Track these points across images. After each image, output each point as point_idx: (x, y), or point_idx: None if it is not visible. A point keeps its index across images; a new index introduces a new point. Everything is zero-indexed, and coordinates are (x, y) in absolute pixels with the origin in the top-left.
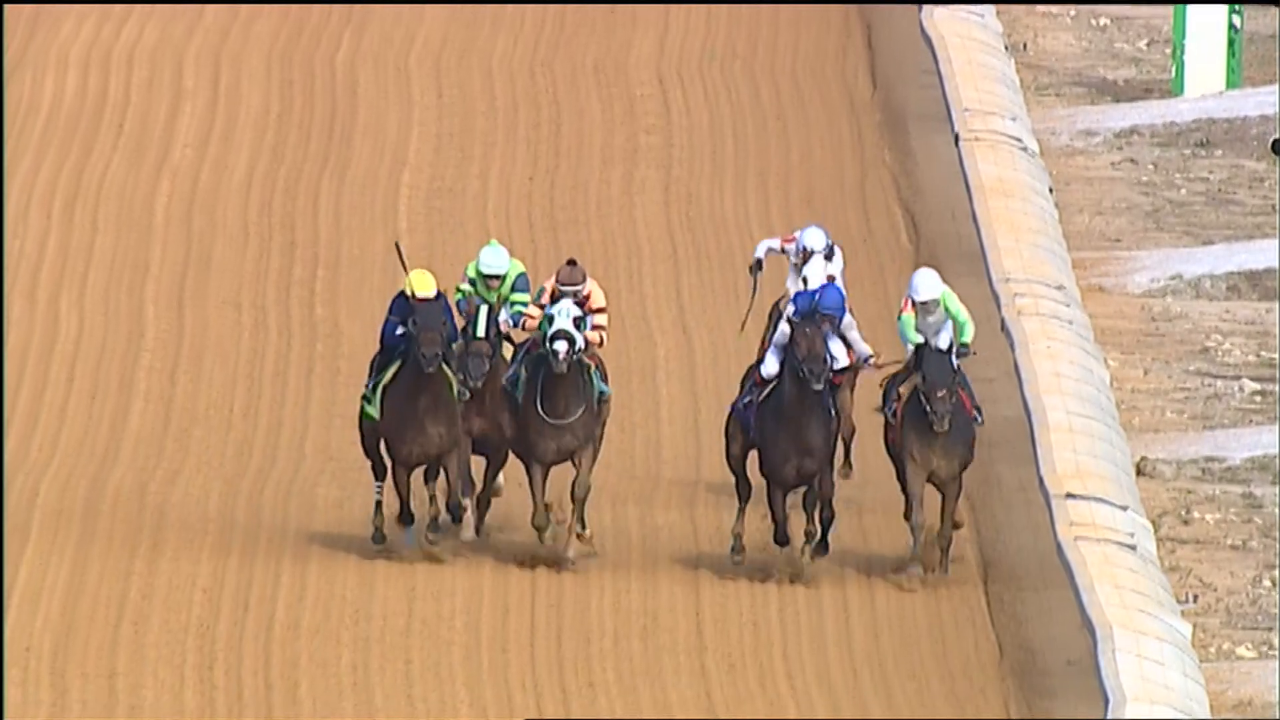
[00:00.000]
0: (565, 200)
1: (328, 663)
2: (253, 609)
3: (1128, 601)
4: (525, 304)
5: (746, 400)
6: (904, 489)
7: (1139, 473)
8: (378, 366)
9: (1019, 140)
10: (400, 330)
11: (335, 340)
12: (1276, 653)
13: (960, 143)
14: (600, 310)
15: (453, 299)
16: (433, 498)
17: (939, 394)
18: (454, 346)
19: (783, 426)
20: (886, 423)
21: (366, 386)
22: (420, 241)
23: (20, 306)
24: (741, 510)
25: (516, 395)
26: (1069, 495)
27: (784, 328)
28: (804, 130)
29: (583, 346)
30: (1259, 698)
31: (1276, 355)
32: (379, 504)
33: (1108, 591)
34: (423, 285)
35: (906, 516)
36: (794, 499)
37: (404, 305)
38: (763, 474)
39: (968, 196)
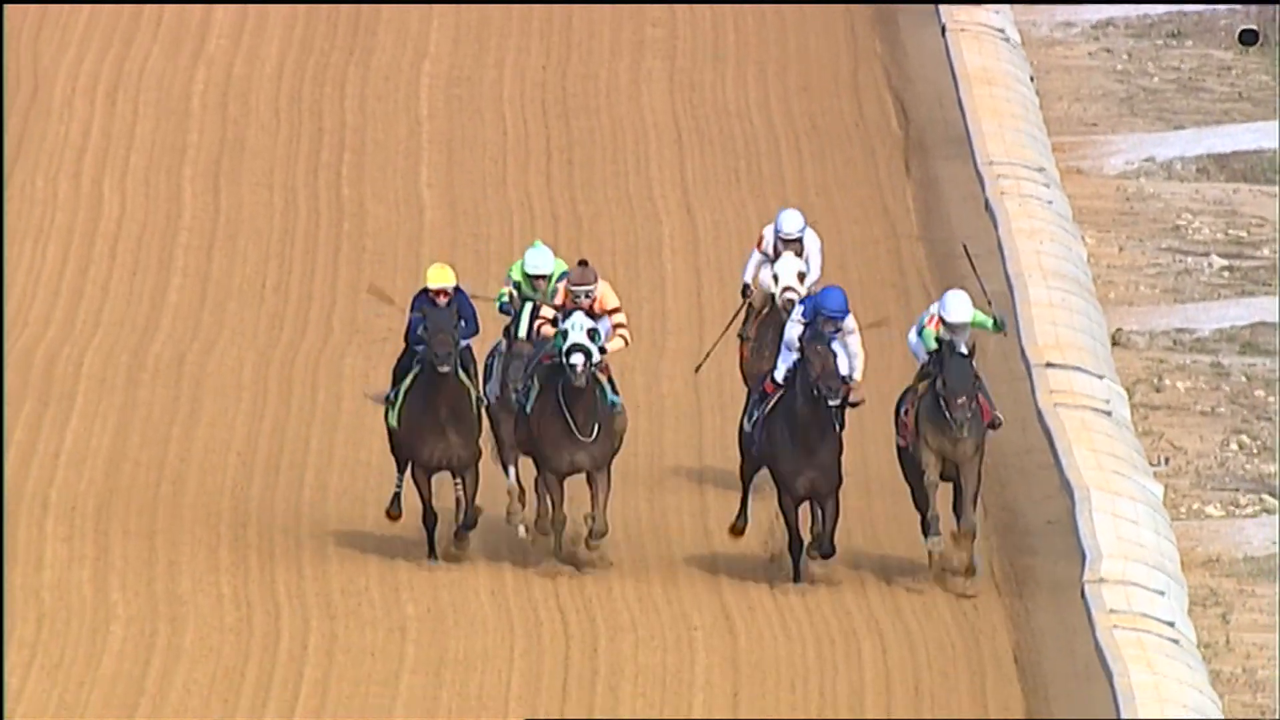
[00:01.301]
0: (576, 89)
1: (354, 521)
2: (283, 472)
3: (1104, 464)
4: None
5: (754, 417)
6: (916, 499)
7: (1114, 343)
8: (398, 374)
9: (1002, 31)
10: (418, 332)
11: (361, 219)
12: (1243, 512)
13: (947, 34)
14: (615, 310)
15: (492, 301)
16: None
17: (959, 400)
18: (500, 345)
19: (794, 441)
20: (899, 424)
21: (388, 396)
22: (440, 127)
23: (66, 189)
24: (743, 507)
25: (526, 408)
26: (1049, 365)
27: (792, 332)
28: (800, 23)
29: (598, 360)
30: (1226, 554)
31: (1243, 233)
32: (397, 495)
33: (1085, 455)
34: (437, 277)
35: (923, 527)
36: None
37: (426, 300)
38: (776, 484)
39: (954, 85)
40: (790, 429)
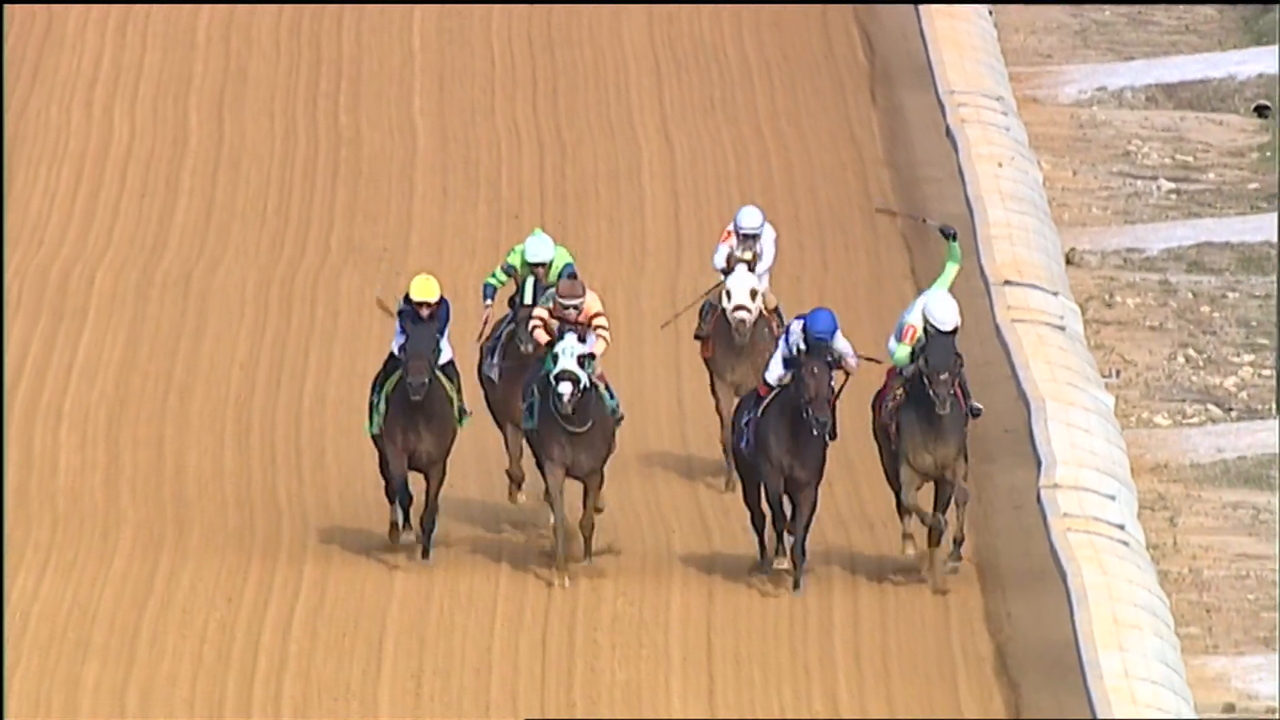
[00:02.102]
0: (560, 22)
1: (351, 430)
2: (284, 384)
3: (1058, 376)
4: None
5: (746, 422)
6: (893, 485)
7: (1068, 262)
8: (380, 381)
9: None
10: (396, 347)
11: (357, 145)
12: (1190, 421)
13: None
14: (598, 315)
15: (480, 289)
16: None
17: (941, 377)
18: (507, 318)
19: (780, 430)
20: (883, 427)
21: (371, 403)
22: (431, 58)
23: (78, 116)
24: (760, 541)
25: (531, 422)
26: (1007, 282)
27: (779, 356)
28: None
29: (587, 385)
30: (1173, 461)
31: (1190, 158)
32: (394, 524)
33: (1040, 368)
34: (422, 290)
35: (899, 508)
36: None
37: (410, 311)
38: (758, 475)
39: (917, 17)
40: (779, 419)
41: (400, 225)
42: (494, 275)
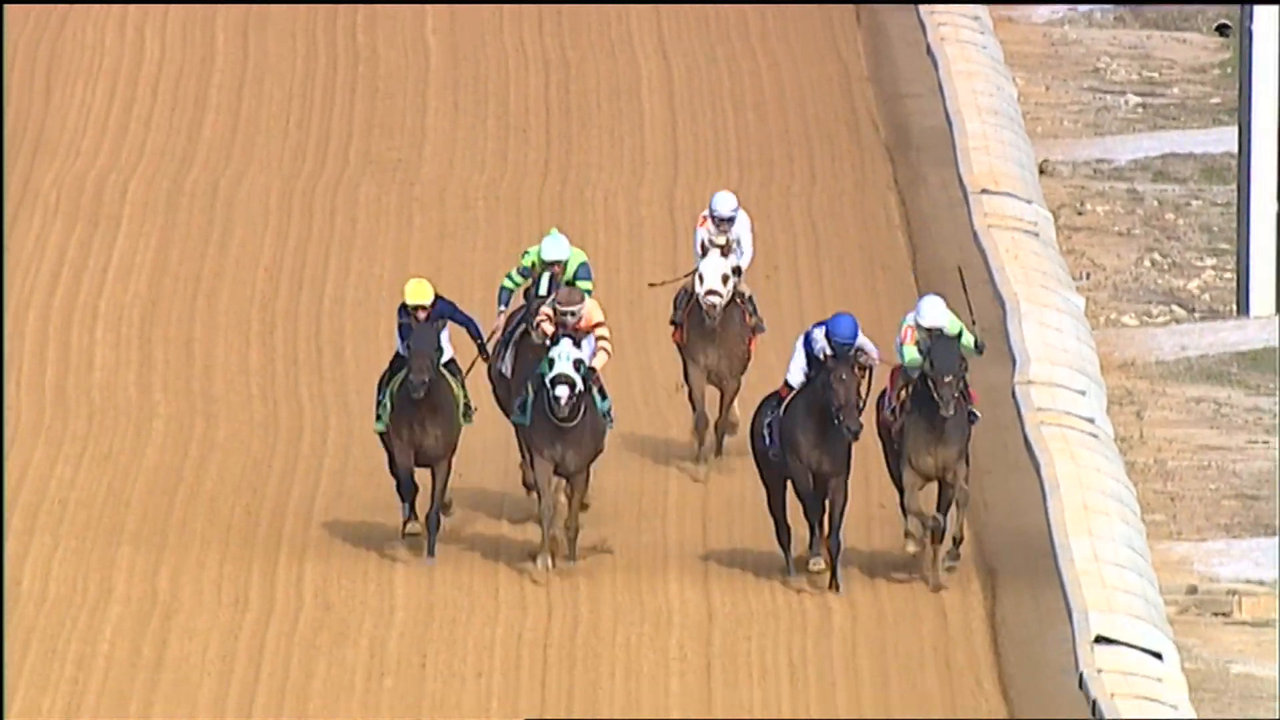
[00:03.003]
0: None
1: (368, 330)
2: (305, 286)
3: (1032, 279)
4: (590, 292)
5: (769, 424)
6: (898, 484)
7: (1041, 172)
8: (385, 380)
9: None
10: (400, 347)
11: (374, 63)
12: (1155, 321)
13: None
14: (599, 324)
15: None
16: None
17: (946, 379)
18: (533, 304)
19: (805, 426)
20: (887, 426)
21: (378, 402)
22: None
23: (112, 36)
24: (787, 555)
25: (524, 421)
26: (984, 191)
27: (800, 358)
28: None
29: (583, 389)
30: (1140, 359)
31: (1156, 74)
32: (406, 522)
33: (1015, 270)
34: (416, 294)
35: (901, 506)
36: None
37: (407, 315)
38: (786, 476)
39: None
40: (806, 417)
41: (414, 138)
42: (509, 278)
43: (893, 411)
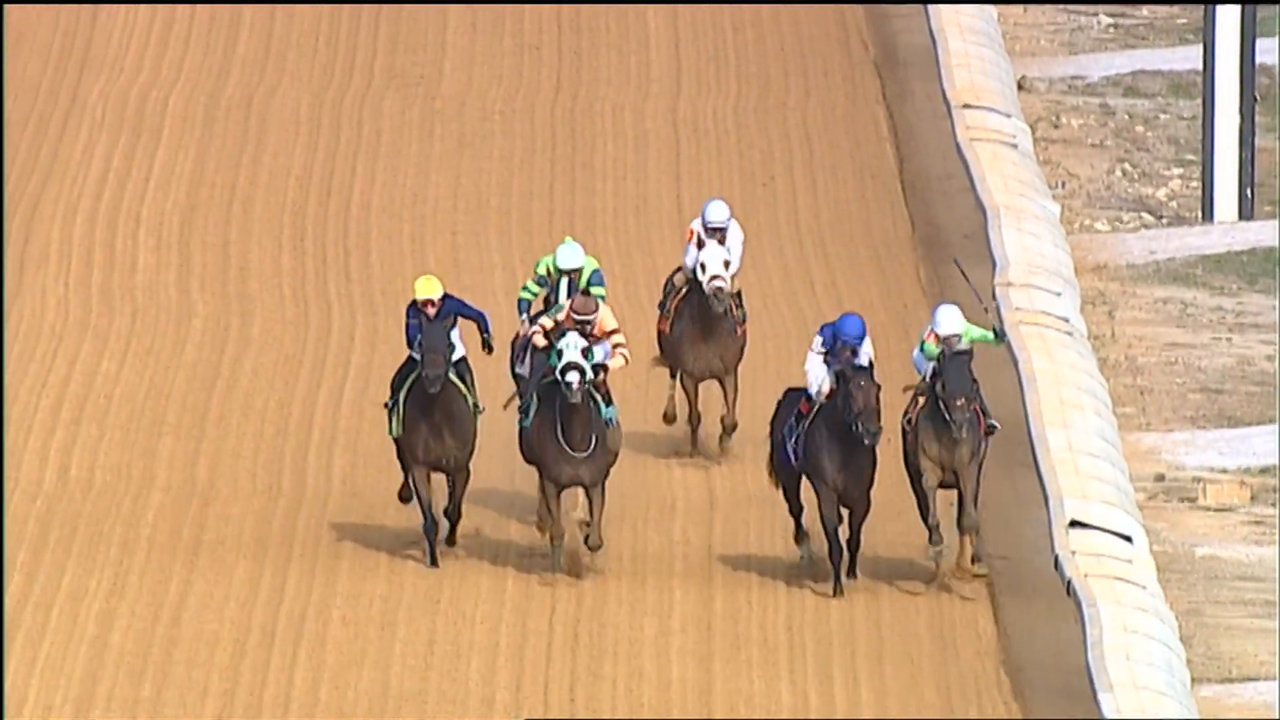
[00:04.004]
0: None
1: (392, 234)
2: (334, 194)
3: (1011, 188)
4: (603, 297)
5: (793, 438)
6: (918, 493)
7: (1020, 88)
8: (396, 383)
9: None
10: (413, 345)
11: None
12: (1126, 227)
13: None
14: (614, 331)
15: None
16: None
17: (958, 402)
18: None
19: (831, 446)
20: (904, 433)
21: (387, 404)
22: None
23: None
24: (799, 526)
25: (526, 423)
26: (966, 106)
27: (814, 363)
28: None
29: (592, 376)
30: (1112, 262)
31: None
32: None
33: (996, 180)
34: (425, 289)
35: (924, 518)
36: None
37: (416, 311)
38: (815, 492)
39: None
40: (829, 436)
41: (435, 54)
42: (526, 289)
43: (908, 421)
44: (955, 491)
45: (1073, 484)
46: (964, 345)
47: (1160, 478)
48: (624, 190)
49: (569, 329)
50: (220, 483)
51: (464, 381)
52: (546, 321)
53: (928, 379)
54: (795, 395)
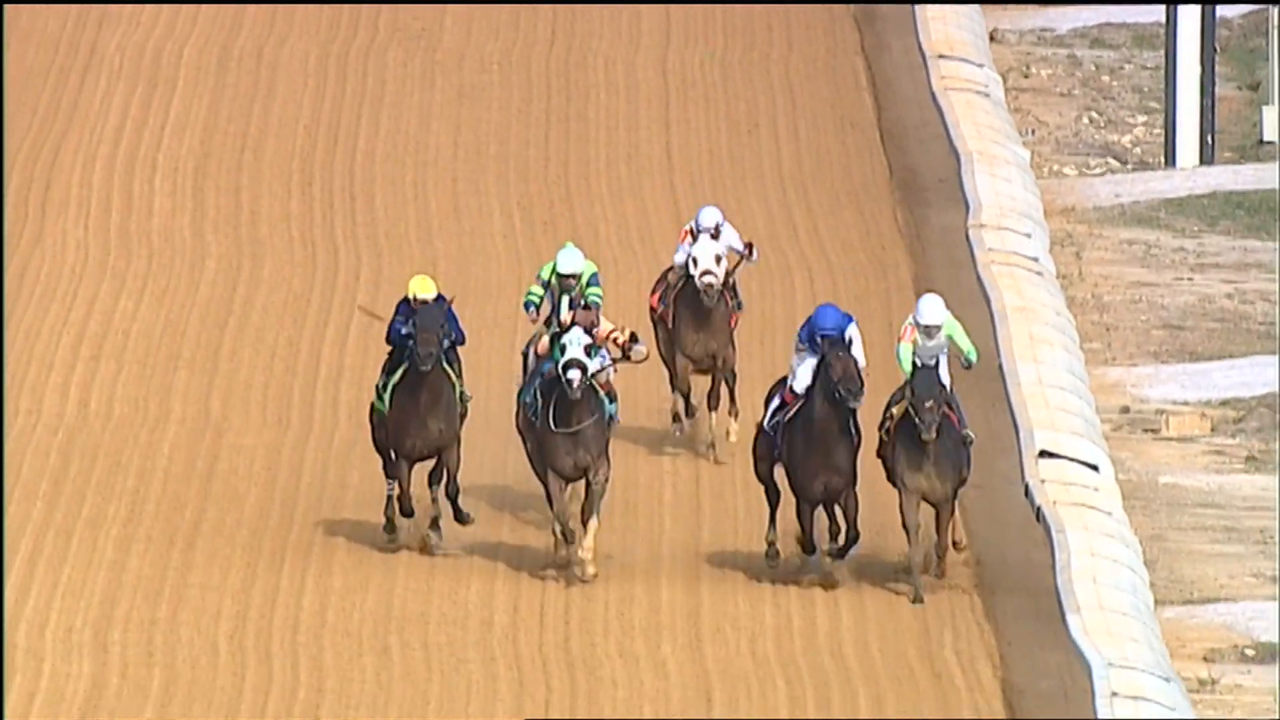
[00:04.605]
0: None
1: (395, 180)
2: (340, 141)
3: (983, 134)
4: (600, 296)
5: (774, 421)
6: (902, 512)
7: (991, 39)
8: (388, 368)
9: None
10: (404, 331)
11: None
12: (1093, 172)
13: None
14: (612, 331)
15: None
16: (435, 500)
17: (926, 404)
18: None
19: (811, 445)
20: (880, 438)
21: (378, 384)
22: None
23: None
24: (772, 518)
25: (534, 419)
26: (940, 56)
27: (795, 360)
28: None
29: (594, 371)
30: (1079, 205)
31: None
32: (390, 498)
33: (969, 127)
34: (421, 288)
35: (905, 527)
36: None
37: (408, 308)
38: (792, 490)
39: None
40: (808, 434)
41: (436, 10)
42: (531, 292)
43: (886, 432)
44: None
45: (1042, 416)
46: (941, 339)
47: (1125, 410)
48: (616, 139)
49: (572, 324)
50: (232, 415)
51: (452, 368)
52: (545, 338)
53: (905, 391)
54: (783, 383)
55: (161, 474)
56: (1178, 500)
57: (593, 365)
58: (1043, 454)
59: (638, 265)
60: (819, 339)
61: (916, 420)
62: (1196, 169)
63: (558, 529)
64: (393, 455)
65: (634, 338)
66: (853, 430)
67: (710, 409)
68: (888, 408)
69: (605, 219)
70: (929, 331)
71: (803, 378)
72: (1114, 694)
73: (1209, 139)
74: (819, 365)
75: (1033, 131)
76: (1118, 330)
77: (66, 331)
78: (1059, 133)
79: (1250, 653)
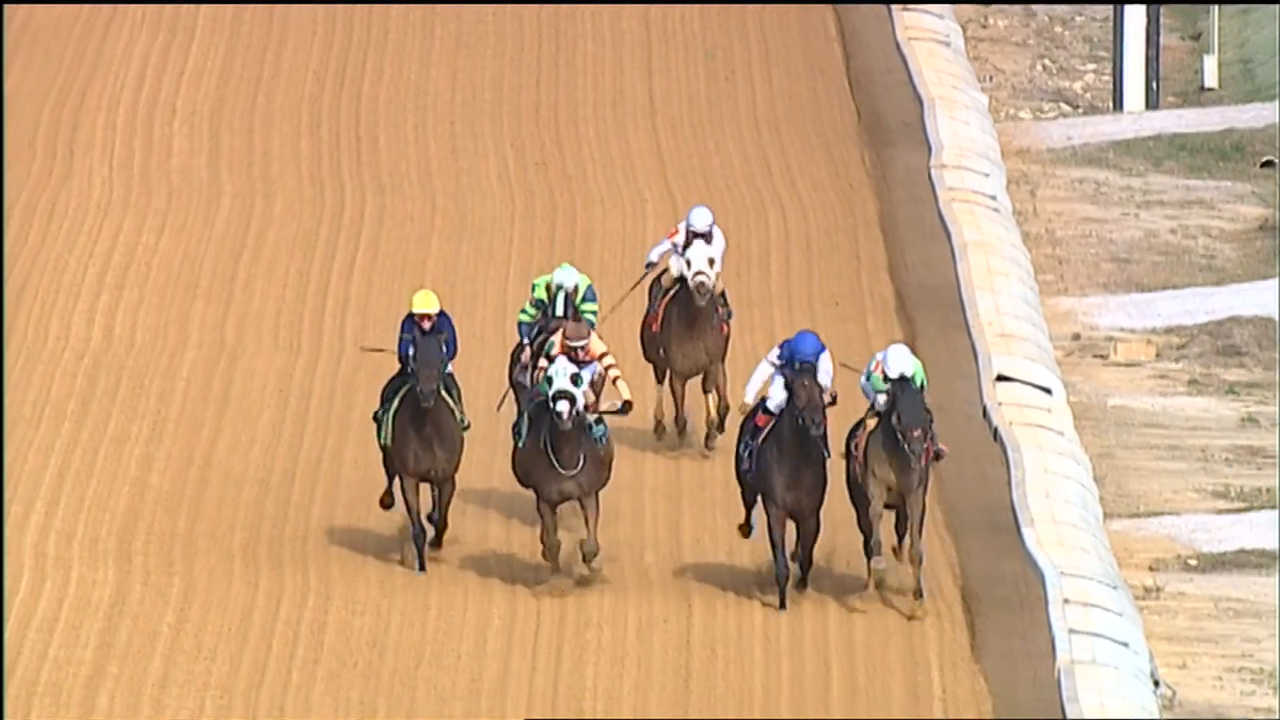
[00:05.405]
0: None
1: (398, 123)
2: (346, 86)
3: (944, 81)
4: (595, 312)
5: (747, 450)
6: (862, 525)
7: None
8: (386, 395)
9: None
10: (409, 353)
11: None
12: (1046, 116)
13: None
14: (604, 354)
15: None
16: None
17: (914, 433)
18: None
19: (781, 462)
20: (848, 457)
21: (376, 414)
22: None
23: None
24: (748, 518)
25: (521, 442)
26: (904, 7)
27: (763, 370)
28: None
29: (582, 404)
30: (1033, 146)
31: None
32: (415, 539)
33: (931, 75)
34: (423, 303)
35: (866, 550)
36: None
37: (412, 325)
38: (764, 504)
39: None
40: (779, 451)
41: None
42: (525, 311)
43: (855, 445)
44: (897, 514)
45: (999, 343)
46: (898, 370)
47: (1076, 337)
48: (602, 85)
49: (561, 354)
50: (246, 341)
51: (451, 396)
52: (543, 363)
53: (881, 408)
54: (756, 411)
55: (180, 396)
56: (1125, 421)
57: (579, 393)
58: (999, 378)
59: (622, 202)
60: (795, 364)
61: (905, 446)
62: (1143, 113)
63: (547, 553)
64: (399, 479)
65: (626, 407)
66: (824, 451)
67: (705, 392)
68: (851, 436)
69: (592, 159)
70: (899, 383)
71: (776, 397)
72: (1065, 600)
73: (1154, 85)
74: (787, 387)
75: (990, 78)
76: (1069, 263)
77: (92, 263)
78: (1015, 79)
79: (1192, 562)
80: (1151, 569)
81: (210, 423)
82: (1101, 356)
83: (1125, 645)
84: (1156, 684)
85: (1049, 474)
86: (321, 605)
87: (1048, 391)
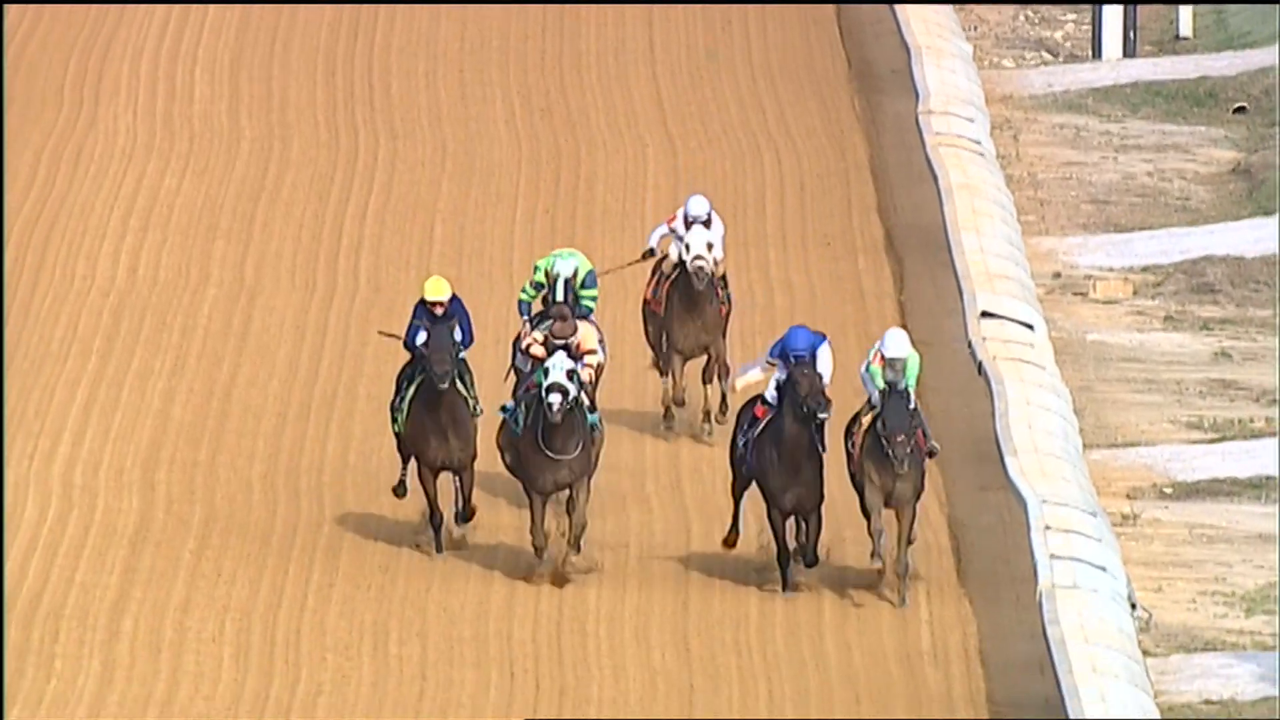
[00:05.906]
0: None
1: (409, 72)
2: (360, 36)
3: (931, 31)
4: (595, 298)
5: (744, 441)
6: (864, 510)
7: None
8: (401, 383)
9: None
10: (421, 342)
11: None
12: (1028, 64)
13: None
14: (590, 351)
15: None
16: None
17: (898, 438)
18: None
19: (781, 459)
20: (848, 454)
21: (392, 404)
22: None
23: None
24: (735, 517)
25: (516, 430)
26: None
27: (756, 370)
28: None
29: (575, 397)
30: (1016, 93)
31: None
32: (402, 481)
33: (918, 24)
34: (435, 290)
35: (870, 531)
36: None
37: (424, 312)
38: (764, 499)
39: None
40: (778, 449)
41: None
42: (525, 291)
43: (853, 444)
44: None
45: (983, 281)
46: (908, 382)
47: (1057, 275)
48: (605, 35)
49: (557, 347)
50: (264, 280)
51: (464, 382)
52: (538, 335)
53: (875, 404)
54: (753, 402)
55: (201, 332)
56: (1103, 355)
57: (573, 389)
58: (984, 314)
59: (624, 146)
60: (790, 358)
61: (889, 452)
62: (1120, 61)
63: (536, 543)
64: (417, 466)
65: (592, 406)
66: (820, 447)
67: (704, 382)
68: (852, 424)
69: (595, 106)
70: (893, 365)
71: (742, 374)
72: (1047, 527)
73: (1131, 35)
74: (786, 383)
75: (975, 28)
76: (1050, 204)
77: (117, 205)
78: (998, 29)
79: (1168, 490)
80: (1129, 497)
81: (230, 358)
82: (1081, 294)
83: (1104, 570)
84: (1134, 607)
85: (1031, 406)
86: (336, 532)
87: (1030, 327)
